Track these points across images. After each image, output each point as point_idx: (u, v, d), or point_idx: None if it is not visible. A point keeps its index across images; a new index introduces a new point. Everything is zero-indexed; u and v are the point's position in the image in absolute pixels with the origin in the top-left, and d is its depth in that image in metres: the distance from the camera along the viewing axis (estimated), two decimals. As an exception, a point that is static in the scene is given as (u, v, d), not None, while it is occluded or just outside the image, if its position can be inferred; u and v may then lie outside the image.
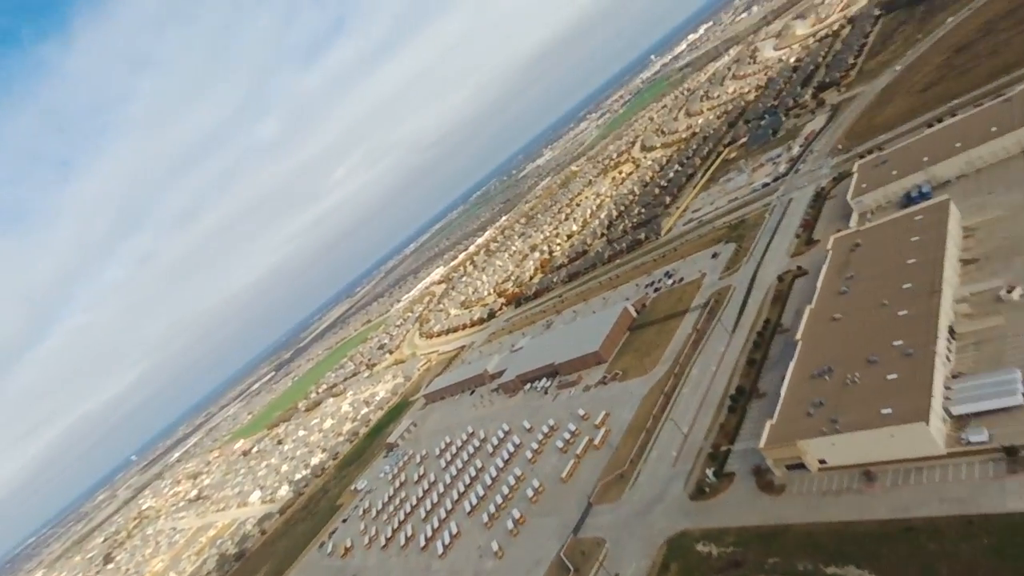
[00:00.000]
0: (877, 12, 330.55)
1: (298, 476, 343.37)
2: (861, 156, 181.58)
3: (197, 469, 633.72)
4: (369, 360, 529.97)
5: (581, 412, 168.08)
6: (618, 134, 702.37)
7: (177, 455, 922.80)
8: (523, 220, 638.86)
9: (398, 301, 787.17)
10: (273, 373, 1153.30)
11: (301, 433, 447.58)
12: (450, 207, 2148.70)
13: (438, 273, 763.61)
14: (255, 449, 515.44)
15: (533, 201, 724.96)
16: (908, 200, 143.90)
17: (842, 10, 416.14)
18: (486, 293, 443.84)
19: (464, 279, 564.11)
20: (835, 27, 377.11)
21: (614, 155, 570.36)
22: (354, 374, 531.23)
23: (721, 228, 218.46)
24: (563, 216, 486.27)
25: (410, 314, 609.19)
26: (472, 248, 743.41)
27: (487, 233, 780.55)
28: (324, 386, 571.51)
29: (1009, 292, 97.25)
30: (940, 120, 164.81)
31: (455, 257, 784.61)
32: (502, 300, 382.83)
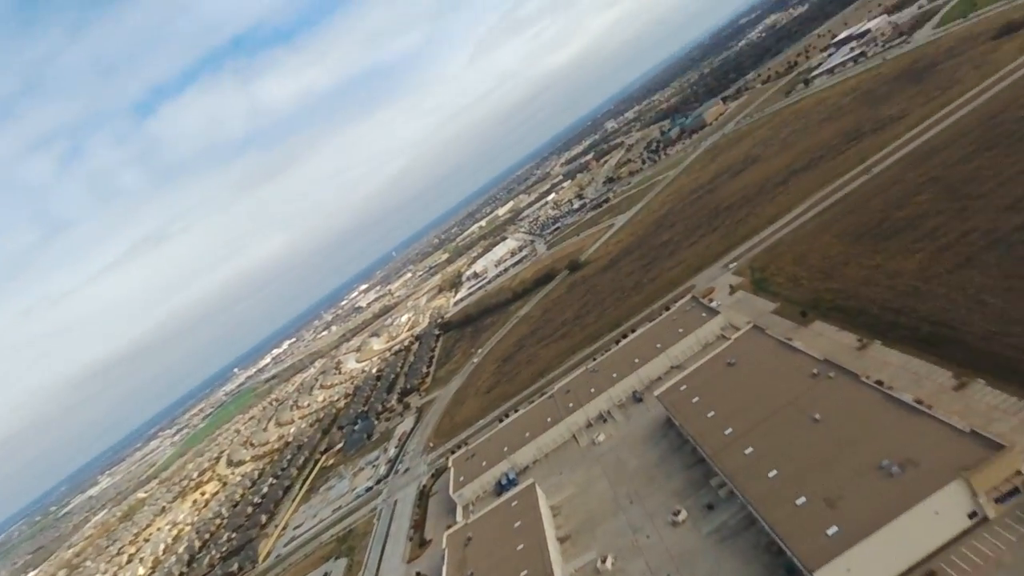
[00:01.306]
0: (437, 331, 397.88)
1: None
2: (452, 451, 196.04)
3: None
4: None
5: None
6: (199, 450, 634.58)
7: None
8: (63, 573, 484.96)
9: None
10: None
11: None
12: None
13: None
14: None
15: (81, 543, 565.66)
16: (500, 488, 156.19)
17: (409, 330, 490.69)
18: None
19: None
20: (406, 343, 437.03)
21: (195, 474, 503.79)
22: None
23: (329, 542, 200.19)
24: (126, 558, 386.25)
25: None
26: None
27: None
28: None
29: (603, 562, 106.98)
30: (508, 415, 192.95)
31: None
32: None
